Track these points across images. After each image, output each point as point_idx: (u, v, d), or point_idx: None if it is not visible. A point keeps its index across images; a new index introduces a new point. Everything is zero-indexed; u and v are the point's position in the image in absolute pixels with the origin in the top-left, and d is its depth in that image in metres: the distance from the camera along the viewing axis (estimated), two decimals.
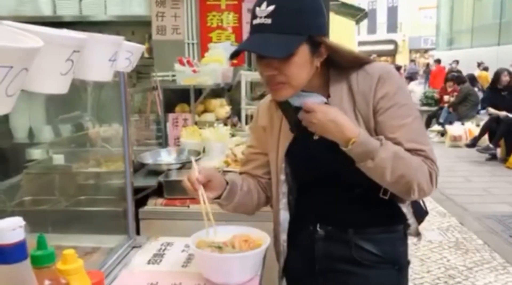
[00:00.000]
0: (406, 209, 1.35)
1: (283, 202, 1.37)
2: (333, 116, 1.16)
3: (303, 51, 1.17)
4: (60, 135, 3.12)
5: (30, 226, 1.90)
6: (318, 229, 1.35)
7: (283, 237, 1.40)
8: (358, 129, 1.17)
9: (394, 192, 1.24)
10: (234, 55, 1.21)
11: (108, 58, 1.04)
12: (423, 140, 1.24)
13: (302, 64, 1.18)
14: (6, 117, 3.17)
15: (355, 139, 1.14)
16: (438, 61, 16.72)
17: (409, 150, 1.20)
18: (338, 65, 1.25)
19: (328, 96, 1.25)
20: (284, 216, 1.38)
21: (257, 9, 1.15)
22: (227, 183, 1.34)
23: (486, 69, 12.92)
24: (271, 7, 1.12)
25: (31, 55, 0.67)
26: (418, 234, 1.46)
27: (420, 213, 1.48)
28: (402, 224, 1.37)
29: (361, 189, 1.26)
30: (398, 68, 20.27)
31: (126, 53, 1.18)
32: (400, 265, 1.36)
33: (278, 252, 1.44)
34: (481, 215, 5.17)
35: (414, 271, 3.79)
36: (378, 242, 1.32)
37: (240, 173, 1.49)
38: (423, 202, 1.53)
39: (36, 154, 2.72)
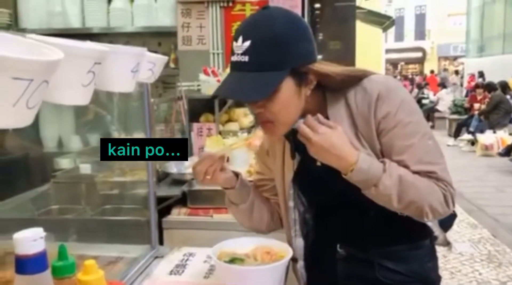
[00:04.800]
0: (430, 221, 1.28)
1: (296, 228, 1.31)
2: (330, 141, 1.06)
3: (288, 85, 1.07)
4: (87, 145, 3.19)
5: (56, 234, 1.94)
6: (338, 249, 1.27)
7: (300, 263, 1.33)
8: (357, 154, 1.08)
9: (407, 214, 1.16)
10: (215, 97, 1.14)
11: (130, 69, 1.05)
12: (433, 159, 1.13)
13: (288, 100, 1.09)
14: (36, 128, 3.26)
15: (354, 166, 1.06)
16: (432, 72, 20.77)
17: (417, 172, 1.11)
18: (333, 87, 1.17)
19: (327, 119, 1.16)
20: (299, 242, 1.31)
21: (234, 44, 1.07)
22: (237, 176, 1.29)
23: None
24: (247, 43, 1.03)
25: (51, 67, 0.67)
26: (448, 243, 1.38)
27: (447, 219, 1.39)
28: (428, 238, 1.30)
29: (375, 211, 1.17)
30: (432, 71, 20.35)
31: (149, 64, 1.19)
32: (429, 282, 1.28)
33: (297, 278, 1.38)
34: None
35: (444, 284, 3.68)
36: (404, 260, 1.24)
37: None
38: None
39: (64, 163, 2.78)
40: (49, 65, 0.66)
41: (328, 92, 1.17)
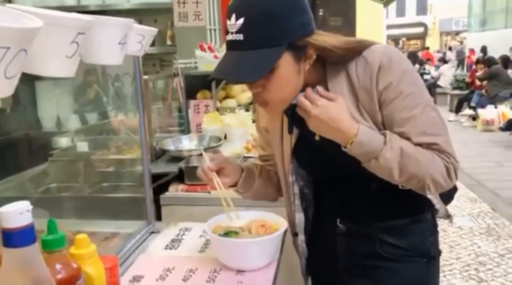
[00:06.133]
0: (431, 194, 1.27)
1: (296, 203, 1.29)
2: (328, 114, 1.04)
3: (286, 61, 1.04)
4: (86, 124, 3.18)
5: (54, 212, 1.95)
6: (338, 224, 1.27)
7: (301, 237, 1.32)
8: (357, 127, 1.06)
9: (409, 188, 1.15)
10: (213, 79, 1.12)
11: (118, 41, 1.03)
12: (436, 131, 1.11)
13: (287, 77, 1.06)
14: (35, 108, 3.25)
15: (353, 139, 1.05)
16: (427, 48, 21.03)
17: (419, 144, 1.09)
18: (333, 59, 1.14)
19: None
20: (299, 217, 1.30)
21: (228, 22, 1.04)
22: (243, 170, 1.31)
23: None
24: (241, 21, 1.00)
25: (29, 35, 0.65)
26: (448, 216, 1.35)
27: (448, 191, 1.37)
28: (430, 211, 1.28)
29: (376, 184, 1.14)
30: (450, 48, 20.00)
31: (138, 36, 1.16)
32: (429, 256, 1.26)
33: (298, 252, 1.38)
34: None
35: (443, 258, 3.65)
36: (405, 234, 1.23)
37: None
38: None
39: (62, 142, 2.78)
40: (26, 33, 0.64)
41: (328, 64, 1.14)
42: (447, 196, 1.32)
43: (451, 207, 1.43)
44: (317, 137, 1.12)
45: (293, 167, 1.26)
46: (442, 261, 3.85)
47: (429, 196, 1.24)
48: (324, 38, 1.09)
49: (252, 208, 1.39)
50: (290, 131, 1.20)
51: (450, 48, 17.59)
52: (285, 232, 1.25)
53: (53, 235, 0.84)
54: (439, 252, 1.32)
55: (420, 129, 1.09)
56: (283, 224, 1.24)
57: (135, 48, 1.16)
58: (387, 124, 1.11)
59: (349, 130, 1.05)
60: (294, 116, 1.14)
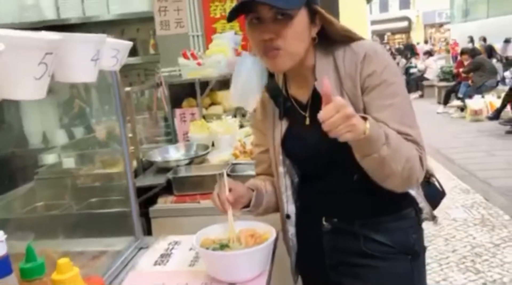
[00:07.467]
0: (415, 191, 1.29)
1: (287, 195, 1.32)
2: (346, 110, 0.98)
3: (302, 15, 1.12)
4: (71, 138, 3.14)
5: (42, 232, 1.91)
6: (324, 222, 1.30)
7: (291, 230, 1.35)
8: (366, 122, 1.03)
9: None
10: (234, 14, 1.11)
11: (90, 58, 1.00)
12: (411, 122, 1.17)
13: (301, 29, 1.13)
14: (20, 125, 3.21)
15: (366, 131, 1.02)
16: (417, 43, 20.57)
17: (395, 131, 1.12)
18: (326, 42, 1.20)
19: (314, 79, 1.20)
20: (291, 209, 1.33)
21: None
22: (253, 190, 1.31)
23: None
24: None
25: None
26: (433, 217, 1.39)
27: (434, 195, 1.41)
28: (413, 208, 1.30)
29: (360, 174, 1.16)
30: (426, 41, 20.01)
31: (112, 51, 1.14)
32: (413, 253, 1.29)
33: (288, 247, 1.40)
34: (506, 190, 5.03)
35: (439, 251, 3.72)
36: (389, 231, 1.26)
37: (257, 175, 1.46)
38: (438, 182, 1.45)
39: (49, 158, 2.73)
40: None
41: (318, 50, 1.21)
42: (435, 200, 1.34)
43: (445, 199, 1.44)
44: (307, 122, 1.18)
45: (283, 158, 1.30)
46: (438, 254, 3.85)
47: (413, 194, 1.27)
48: (328, 15, 1.18)
49: (240, 217, 1.36)
50: (281, 116, 1.27)
51: (426, 42, 18.08)
52: (275, 241, 1.23)
53: (31, 262, 0.81)
54: (424, 249, 1.34)
55: (397, 117, 1.14)
56: (273, 233, 1.22)
57: (110, 63, 1.14)
58: (366, 110, 1.16)
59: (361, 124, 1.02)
60: (285, 105, 1.24)
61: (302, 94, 1.26)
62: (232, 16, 1.12)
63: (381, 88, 1.15)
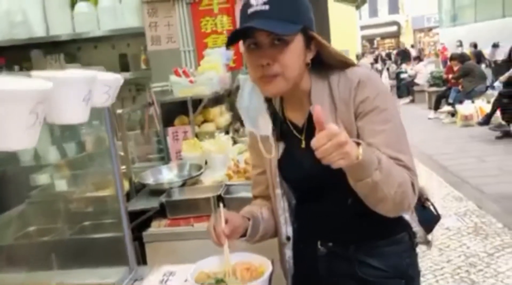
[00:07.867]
0: (409, 216, 1.30)
1: (286, 216, 1.34)
2: (339, 138, 0.98)
3: (298, 41, 1.15)
4: (64, 156, 3.09)
5: (35, 259, 1.88)
6: (319, 246, 1.31)
7: (288, 253, 1.37)
8: (359, 148, 1.03)
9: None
10: (232, 40, 1.15)
11: (82, 98, 0.99)
12: (403, 148, 1.19)
13: (297, 54, 1.15)
14: None
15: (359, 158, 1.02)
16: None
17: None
18: (322, 67, 1.22)
19: (310, 103, 1.22)
20: (289, 231, 1.35)
21: None
22: (249, 219, 1.31)
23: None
24: None
25: None
26: (428, 242, 1.40)
27: (429, 219, 1.42)
28: (407, 232, 1.31)
29: (354, 198, 1.15)
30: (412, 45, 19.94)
31: (103, 87, 1.13)
32: (408, 278, 1.30)
33: (285, 270, 1.41)
34: (498, 196, 5.07)
35: (433, 261, 3.73)
36: (383, 256, 1.27)
37: (254, 197, 1.48)
38: (434, 206, 1.46)
39: (41, 179, 2.70)
40: None
41: (313, 75, 1.24)
42: (429, 224, 1.35)
43: (438, 207, 1.46)
44: (303, 146, 1.20)
45: (280, 180, 1.32)
46: (433, 265, 3.85)
47: (407, 218, 1.29)
48: (323, 40, 1.21)
49: (236, 249, 1.35)
50: (278, 139, 1.29)
51: (412, 46, 18.27)
52: (271, 275, 1.22)
53: None
54: (418, 273, 1.36)
55: (389, 143, 1.16)
56: (268, 266, 1.22)
57: (102, 100, 1.12)
58: (360, 135, 1.18)
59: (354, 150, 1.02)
60: (281, 128, 1.28)
61: (298, 118, 1.29)
62: (231, 41, 1.15)
63: (374, 114, 1.18)
